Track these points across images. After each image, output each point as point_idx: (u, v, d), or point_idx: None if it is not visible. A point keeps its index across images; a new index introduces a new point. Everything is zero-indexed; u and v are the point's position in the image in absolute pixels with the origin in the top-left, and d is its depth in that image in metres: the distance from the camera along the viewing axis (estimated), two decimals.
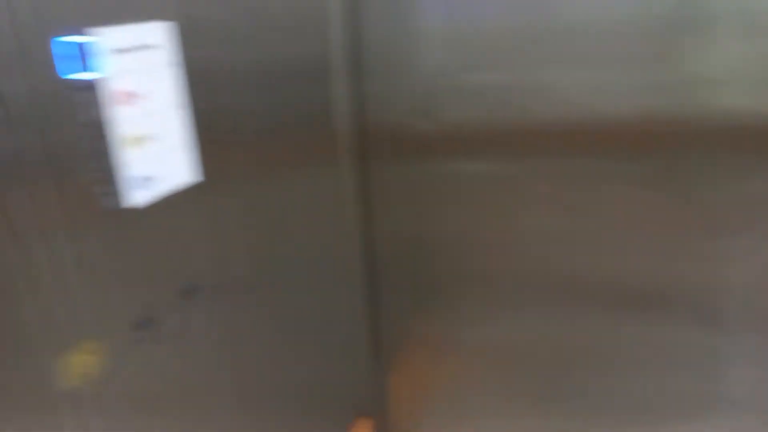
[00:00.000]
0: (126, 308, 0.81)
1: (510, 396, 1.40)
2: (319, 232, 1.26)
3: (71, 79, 0.70)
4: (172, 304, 0.89)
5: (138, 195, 0.80)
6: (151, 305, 0.85)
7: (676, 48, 1.05)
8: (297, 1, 1.08)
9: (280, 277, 1.15)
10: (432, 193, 1.28)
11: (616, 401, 1.30)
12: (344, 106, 1.22)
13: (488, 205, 1.27)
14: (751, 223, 1.10)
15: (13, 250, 0.66)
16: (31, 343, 0.69)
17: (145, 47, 0.77)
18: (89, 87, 0.72)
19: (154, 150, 0.81)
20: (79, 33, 0.70)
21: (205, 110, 0.89)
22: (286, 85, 1.08)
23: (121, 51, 0.74)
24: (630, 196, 1.15)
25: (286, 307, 1.18)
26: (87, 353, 0.76)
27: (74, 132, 0.71)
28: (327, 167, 1.25)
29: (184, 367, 0.92)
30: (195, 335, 0.94)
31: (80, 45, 0.70)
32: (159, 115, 0.81)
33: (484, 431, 1.45)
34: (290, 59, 1.09)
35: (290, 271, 1.19)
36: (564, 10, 1.07)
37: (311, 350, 1.30)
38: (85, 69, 0.71)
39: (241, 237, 1.02)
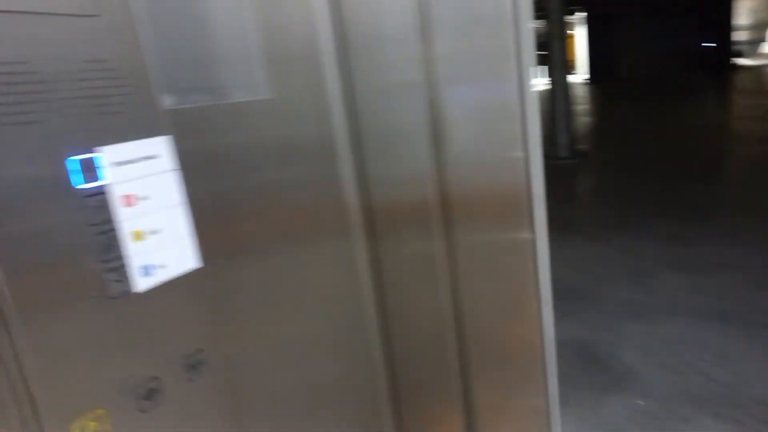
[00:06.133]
0: (131, 380, 0.92)
1: None
2: (332, 306, 1.33)
3: (84, 188, 0.83)
4: (177, 376, 0.98)
5: (142, 281, 0.91)
6: (156, 378, 0.95)
7: None
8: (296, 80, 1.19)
9: (290, 351, 1.22)
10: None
11: None
12: (351, 183, 1.31)
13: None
14: None
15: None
16: (39, 415, 0.80)
17: (145, 158, 0.90)
18: (98, 193, 0.85)
19: (156, 242, 0.92)
20: (88, 151, 0.83)
21: (208, 197, 1.00)
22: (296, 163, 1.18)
23: (122, 162, 0.87)
24: None
25: (297, 382, 1.24)
26: (93, 422, 0.86)
27: (89, 231, 0.84)
28: (337, 242, 1.33)
29: None
30: (200, 407, 1.03)
31: (89, 160, 0.84)
32: (160, 212, 0.92)
33: None
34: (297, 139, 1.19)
35: (302, 345, 1.25)
36: None
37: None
38: (94, 179, 0.84)
39: (248, 311, 1.11)
